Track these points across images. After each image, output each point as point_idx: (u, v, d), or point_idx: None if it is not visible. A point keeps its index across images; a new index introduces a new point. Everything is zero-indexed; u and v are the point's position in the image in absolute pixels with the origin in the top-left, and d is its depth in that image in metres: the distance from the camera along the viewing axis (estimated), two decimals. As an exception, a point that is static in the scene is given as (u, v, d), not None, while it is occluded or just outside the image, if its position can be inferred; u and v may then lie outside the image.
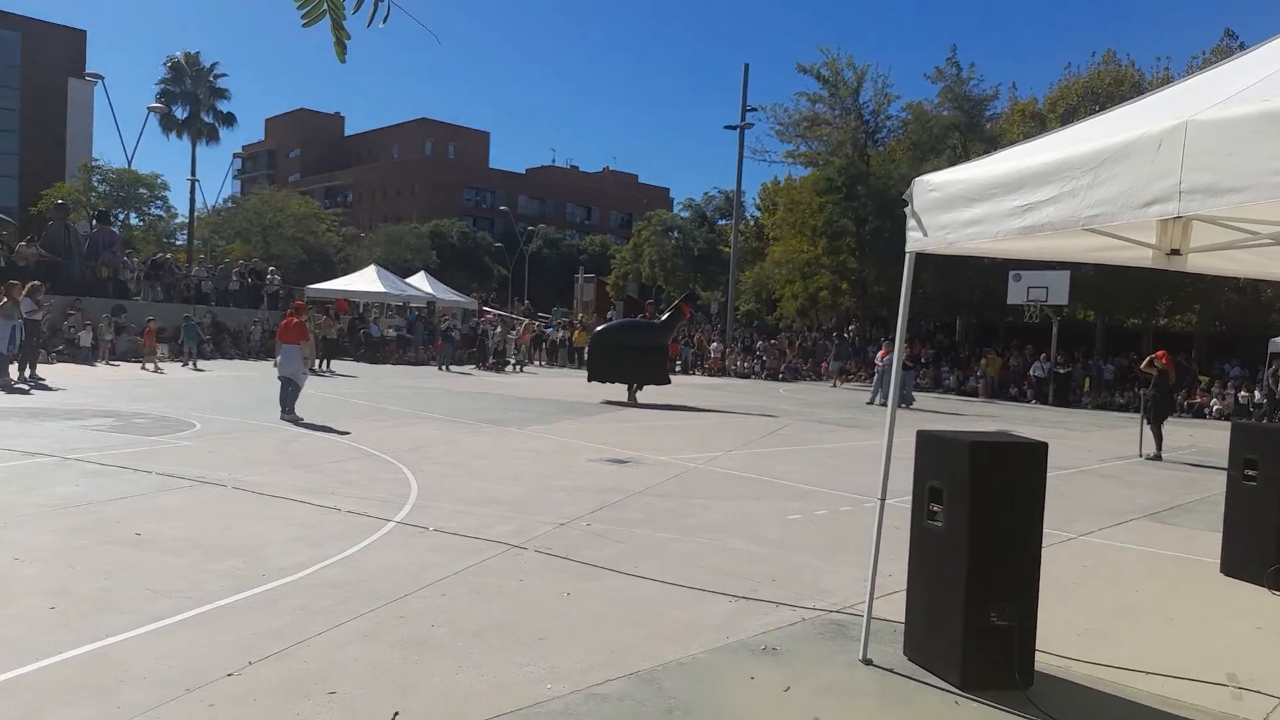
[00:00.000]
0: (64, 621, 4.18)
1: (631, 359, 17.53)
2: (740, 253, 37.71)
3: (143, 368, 20.56)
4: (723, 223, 45.75)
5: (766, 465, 10.32)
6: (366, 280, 32.11)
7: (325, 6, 2.36)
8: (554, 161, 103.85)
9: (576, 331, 32.81)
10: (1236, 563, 6.09)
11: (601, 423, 14.00)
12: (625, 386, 17.69)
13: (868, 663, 4.18)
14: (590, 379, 17.97)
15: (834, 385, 28.59)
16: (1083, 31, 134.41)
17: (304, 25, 2.34)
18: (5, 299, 15.00)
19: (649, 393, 18.04)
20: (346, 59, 2.46)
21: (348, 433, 11.08)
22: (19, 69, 48.72)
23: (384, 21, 2.40)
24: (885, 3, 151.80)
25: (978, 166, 3.79)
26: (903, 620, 4.34)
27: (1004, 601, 3.87)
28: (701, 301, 47.52)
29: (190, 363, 21.71)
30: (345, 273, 37.17)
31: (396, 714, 3.42)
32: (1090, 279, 24.75)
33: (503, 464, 9.40)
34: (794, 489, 8.86)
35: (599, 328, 18.37)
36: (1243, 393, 23.06)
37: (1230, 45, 26.70)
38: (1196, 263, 4.45)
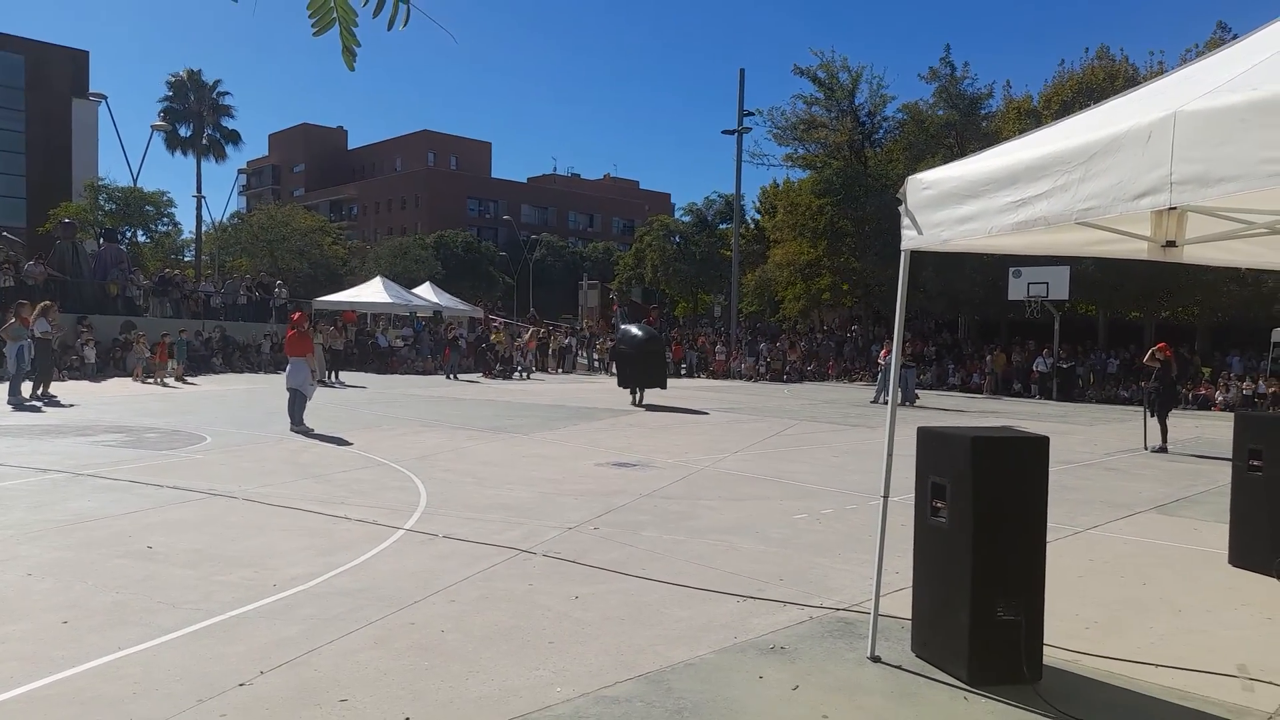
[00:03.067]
0: (76, 635, 4.23)
1: (641, 364, 18.49)
2: (741, 255, 37.76)
3: (158, 382, 20.71)
4: (724, 226, 45.82)
5: (773, 466, 10.34)
6: (373, 291, 32.30)
7: (335, 15, 2.39)
8: (555, 170, 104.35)
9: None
10: (1244, 553, 6.09)
11: (608, 428, 14.03)
12: (630, 390, 18.69)
13: (876, 660, 4.19)
14: (621, 384, 19.22)
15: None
16: (1076, 28, 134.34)
17: (315, 34, 2.38)
18: (14, 319, 15.12)
19: (654, 396, 18.77)
20: (355, 68, 2.50)
21: (356, 443, 11.13)
22: (23, 91, 49.07)
23: (404, 24, 2.44)
24: (878, 4, 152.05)
25: (970, 163, 3.82)
26: (910, 617, 4.36)
27: (1010, 596, 3.88)
28: (704, 305, 47.57)
29: (176, 378, 21.54)
30: (352, 285, 37.33)
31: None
32: (1090, 273, 24.69)
33: (510, 470, 9.44)
34: (800, 489, 8.88)
35: (624, 334, 19.57)
36: (1246, 384, 22.98)
37: (1223, 38, 26.65)
38: (1193, 254, 4.46)
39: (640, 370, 18.51)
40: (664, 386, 19.20)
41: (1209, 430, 16.18)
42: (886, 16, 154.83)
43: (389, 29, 2.46)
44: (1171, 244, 4.30)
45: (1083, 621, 4.86)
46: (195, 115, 44.07)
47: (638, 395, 18.54)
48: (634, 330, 19.59)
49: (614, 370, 30.88)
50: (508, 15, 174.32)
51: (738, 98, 34.88)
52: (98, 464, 8.93)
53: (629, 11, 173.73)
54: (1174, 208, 3.32)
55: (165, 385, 20.24)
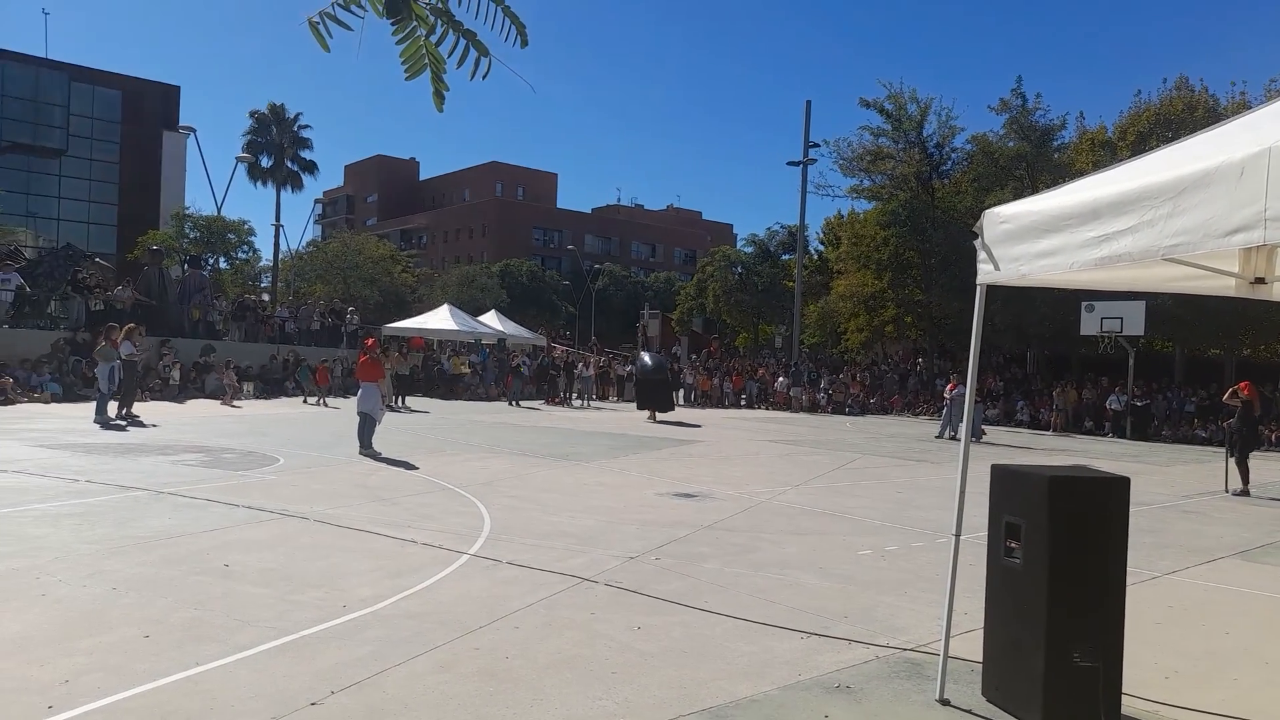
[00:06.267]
0: (157, 649, 4.37)
1: (648, 389, 22.90)
2: (804, 286, 37.54)
3: (319, 403, 22.57)
4: (786, 257, 45.63)
5: (835, 500, 10.20)
6: (440, 319, 32.93)
7: (427, 61, 2.51)
8: (619, 200, 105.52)
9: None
10: (1340, 605, 5.78)
11: (668, 457, 14.01)
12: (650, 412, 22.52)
13: (945, 703, 4.09)
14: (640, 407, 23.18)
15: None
16: (1153, 57, 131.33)
17: (407, 78, 2.51)
18: (104, 341, 15.81)
19: (713, 429, 18.76)
20: (443, 108, 2.62)
21: (422, 467, 11.32)
22: (119, 124, 51.66)
23: (485, 75, 2.55)
24: (948, 34, 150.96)
25: (1051, 197, 3.76)
26: (980, 660, 4.24)
27: (1087, 641, 3.76)
28: (765, 336, 47.33)
29: (320, 400, 23.24)
30: (420, 312, 38.14)
31: (473, 744, 3.48)
32: (1168, 309, 23.91)
33: (572, 498, 9.49)
34: (864, 524, 8.73)
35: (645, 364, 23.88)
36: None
37: (1312, 68, 25.75)
38: (1284, 291, 4.31)
39: (645, 394, 22.75)
40: (669, 409, 22.86)
41: (1297, 474, 15.43)
42: (957, 47, 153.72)
43: (470, 79, 2.58)
44: (1260, 281, 4.15)
45: (1162, 670, 4.67)
46: (276, 147, 45.85)
47: (653, 415, 22.06)
48: (645, 359, 24.20)
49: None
50: (575, 49, 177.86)
51: (803, 129, 34.96)
52: (178, 483, 9.24)
53: (695, 44, 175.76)
54: (1265, 244, 3.22)
55: (325, 405, 22.01)
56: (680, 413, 25.96)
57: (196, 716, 3.62)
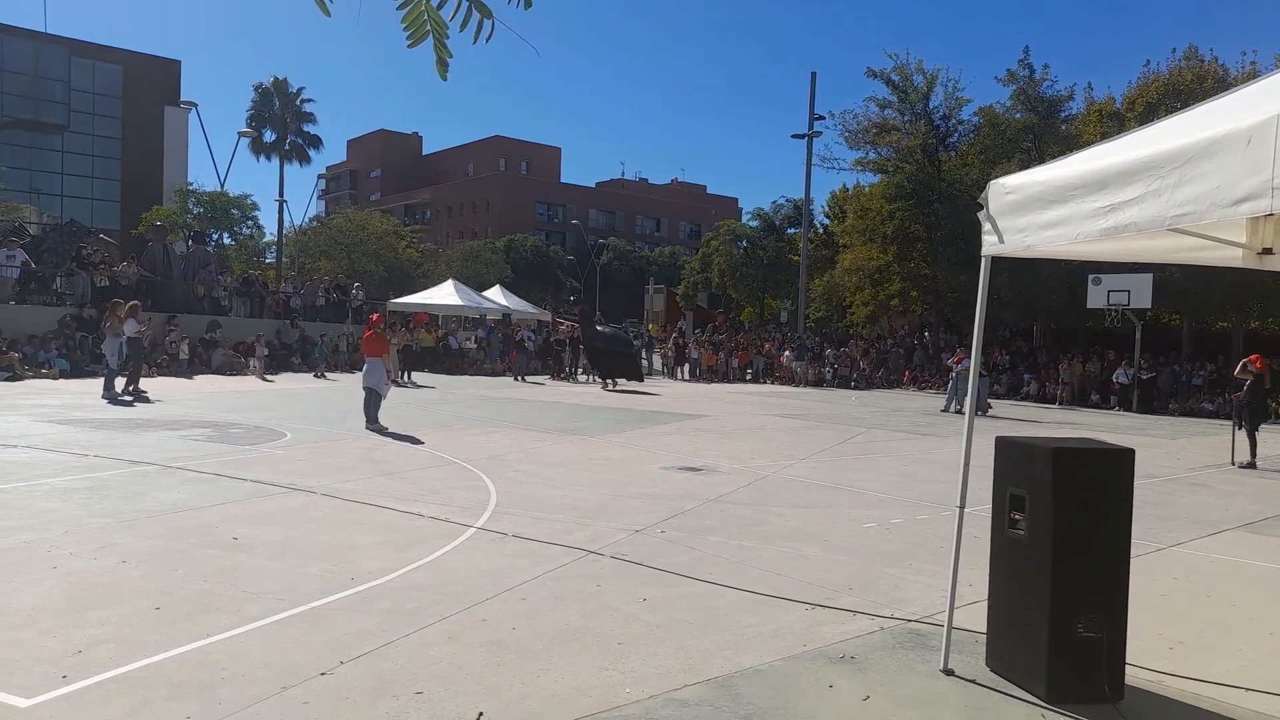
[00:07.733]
0: (168, 621, 4.42)
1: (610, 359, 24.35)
2: (810, 260, 37.40)
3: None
4: (792, 231, 45.42)
5: (841, 473, 10.22)
6: (445, 294, 32.88)
7: (429, 27, 2.49)
8: (623, 174, 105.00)
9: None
10: (1344, 576, 5.80)
11: (674, 431, 14.04)
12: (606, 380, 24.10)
13: (949, 673, 4.12)
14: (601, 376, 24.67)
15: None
16: (1162, 27, 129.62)
17: (409, 46, 2.48)
18: (111, 318, 15.85)
19: (713, 403, 18.62)
20: (447, 76, 2.59)
21: (428, 442, 11.37)
22: (120, 99, 51.43)
23: (489, 38, 2.52)
24: (954, 5, 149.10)
25: (1056, 167, 3.73)
26: (984, 630, 4.27)
27: (1091, 612, 3.78)
28: (771, 310, 47.23)
29: (320, 374, 23.70)
30: (424, 287, 38.11)
31: (481, 714, 3.52)
32: (1175, 281, 23.75)
33: (578, 472, 9.53)
34: (869, 497, 8.76)
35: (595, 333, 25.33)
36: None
37: (1324, 35, 25.39)
38: (1292, 262, 4.27)
39: (606, 363, 24.34)
40: (636, 379, 24.51)
41: (1304, 446, 15.41)
42: (963, 18, 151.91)
43: (474, 42, 2.54)
44: (1269, 251, 4.12)
45: (1166, 641, 4.70)
46: (279, 121, 45.61)
47: (610, 384, 23.80)
48: (605, 332, 26.13)
49: (679, 374, 31.42)
50: (578, 21, 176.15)
51: (809, 101, 34.70)
52: (185, 457, 9.30)
53: (698, 15, 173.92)
54: (1273, 214, 3.19)
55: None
56: (673, 385, 26.94)
57: (208, 686, 3.67)
